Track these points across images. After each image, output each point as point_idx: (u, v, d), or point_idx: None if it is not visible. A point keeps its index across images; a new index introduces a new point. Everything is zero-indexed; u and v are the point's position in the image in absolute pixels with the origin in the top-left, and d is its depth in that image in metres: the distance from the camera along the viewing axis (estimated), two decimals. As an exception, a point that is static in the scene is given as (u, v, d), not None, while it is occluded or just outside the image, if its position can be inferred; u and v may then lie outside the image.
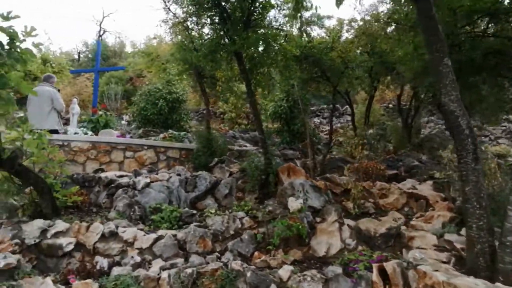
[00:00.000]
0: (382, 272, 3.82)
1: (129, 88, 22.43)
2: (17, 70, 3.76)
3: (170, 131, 11.18)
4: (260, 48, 5.91)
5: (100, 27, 37.23)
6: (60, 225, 4.26)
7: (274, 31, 5.80)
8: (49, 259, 4.08)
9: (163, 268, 4.09)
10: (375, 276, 3.81)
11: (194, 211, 5.29)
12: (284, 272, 4.03)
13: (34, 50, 3.87)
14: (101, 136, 8.23)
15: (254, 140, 11.47)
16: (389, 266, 3.77)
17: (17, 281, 3.44)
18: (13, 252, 3.81)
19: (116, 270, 3.89)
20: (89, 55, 28.90)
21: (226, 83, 7.42)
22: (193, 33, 7.40)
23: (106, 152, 7.14)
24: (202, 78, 8.44)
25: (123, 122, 13.07)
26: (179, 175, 6.35)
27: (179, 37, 8.06)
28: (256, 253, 4.67)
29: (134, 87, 23.73)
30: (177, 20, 7.45)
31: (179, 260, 4.31)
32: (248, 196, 6.43)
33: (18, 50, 3.57)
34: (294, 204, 5.11)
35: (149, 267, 4.13)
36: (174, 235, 4.57)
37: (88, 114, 12.25)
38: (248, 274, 3.92)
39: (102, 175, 6.07)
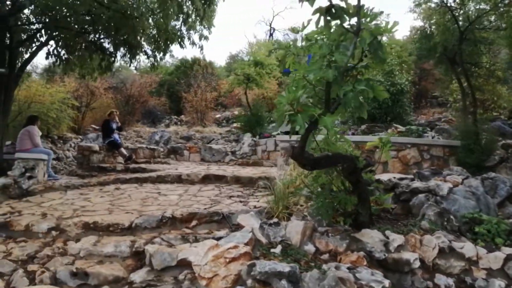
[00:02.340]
0: None
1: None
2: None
3: (396, 125, 10.47)
4: None
5: (270, 26, 39.19)
6: (397, 237, 3.95)
7: None
8: (390, 274, 3.79)
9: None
10: None
11: (530, 224, 4.42)
12: None
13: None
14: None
15: (499, 132, 9.88)
16: None
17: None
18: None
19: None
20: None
21: None
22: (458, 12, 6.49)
23: (369, 152, 6.82)
24: (456, 64, 7.43)
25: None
26: (467, 177, 5.57)
27: (432, 20, 7.25)
28: None
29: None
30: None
31: (545, 288, 3.55)
32: None
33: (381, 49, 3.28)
34: None
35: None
36: (528, 256, 3.80)
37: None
38: None
39: (382, 178, 5.72)
